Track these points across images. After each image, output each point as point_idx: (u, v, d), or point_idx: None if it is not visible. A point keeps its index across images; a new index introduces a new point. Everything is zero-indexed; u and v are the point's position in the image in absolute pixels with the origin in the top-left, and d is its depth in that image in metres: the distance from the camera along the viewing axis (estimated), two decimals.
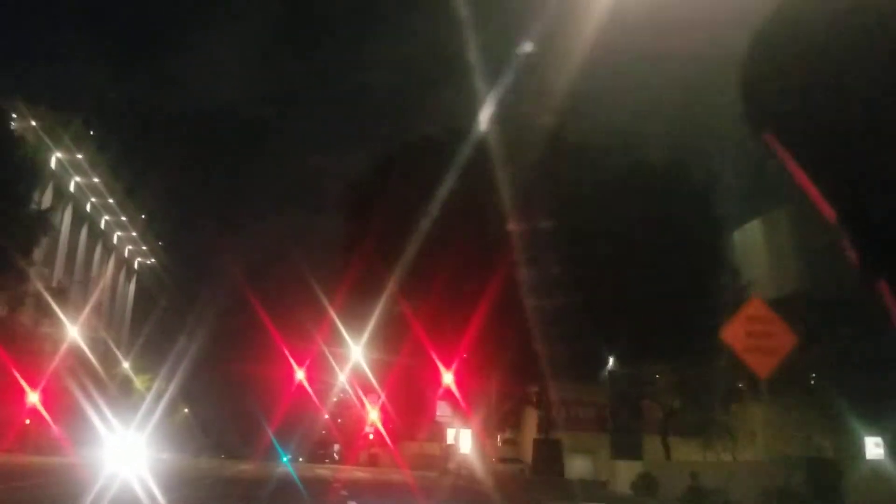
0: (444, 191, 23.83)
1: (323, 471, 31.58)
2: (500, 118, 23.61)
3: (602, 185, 24.34)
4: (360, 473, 31.39)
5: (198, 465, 33.11)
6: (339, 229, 29.94)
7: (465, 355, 25.76)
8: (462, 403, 28.82)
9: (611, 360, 29.78)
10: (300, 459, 75.07)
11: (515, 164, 23.09)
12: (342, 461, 47.93)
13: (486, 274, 23.29)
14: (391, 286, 25.99)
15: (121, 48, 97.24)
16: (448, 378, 27.86)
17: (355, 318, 36.35)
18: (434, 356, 26.53)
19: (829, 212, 1.90)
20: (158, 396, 57.00)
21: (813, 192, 1.90)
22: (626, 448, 27.67)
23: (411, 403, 43.64)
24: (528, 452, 40.66)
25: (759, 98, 2.00)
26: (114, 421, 40.81)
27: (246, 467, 29.99)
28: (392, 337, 30.72)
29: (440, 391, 29.89)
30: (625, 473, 24.06)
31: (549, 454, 31.93)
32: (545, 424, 32.44)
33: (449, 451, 30.84)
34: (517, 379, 26.96)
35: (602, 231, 23.97)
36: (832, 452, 38.38)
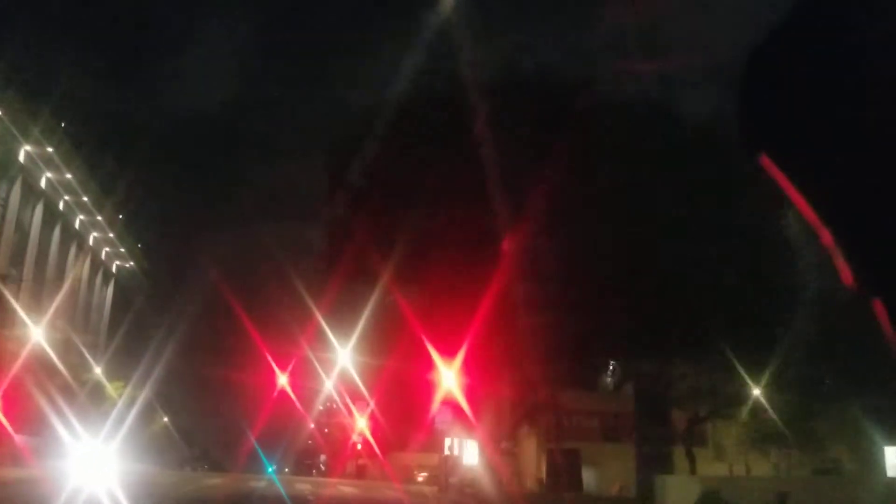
0: (444, 167, 20.67)
1: (304, 485, 27.96)
2: (507, 82, 20.68)
3: (628, 153, 21.20)
4: (346, 488, 27.83)
5: (168, 478, 29.77)
6: (322, 225, 26.52)
7: (469, 354, 22.28)
8: (466, 408, 25.11)
9: (624, 364, 26.80)
10: (286, 470, 72.43)
11: (526, 135, 20.10)
12: (328, 473, 44.88)
13: (492, 261, 20.13)
14: (382, 280, 22.87)
15: (101, 48, 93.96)
16: (450, 379, 24.27)
17: (343, 320, 33.78)
18: (433, 355, 23.02)
19: (824, 233, 1.96)
20: (134, 404, 54.45)
21: (809, 213, 1.96)
22: (653, 461, 24.57)
23: (404, 411, 40.75)
24: (528, 464, 37.61)
25: (754, 121, 2.06)
26: (82, 430, 37.98)
27: (218, 481, 26.43)
28: (383, 337, 27.69)
29: (440, 395, 26.22)
30: (676, 492, 20.73)
31: (566, 466, 28.71)
32: (556, 433, 29.21)
33: (450, 463, 27.00)
34: (532, 381, 23.60)
35: (625, 208, 20.88)
36: (850, 464, 35.90)
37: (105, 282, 77.46)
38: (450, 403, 27.07)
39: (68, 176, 59.01)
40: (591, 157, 21.88)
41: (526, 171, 20.74)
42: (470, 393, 24.19)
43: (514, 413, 26.20)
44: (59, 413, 39.25)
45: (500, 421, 25.69)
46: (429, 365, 23.94)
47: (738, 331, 23.87)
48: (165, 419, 74.03)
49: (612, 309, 21.38)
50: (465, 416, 25.85)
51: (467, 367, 22.78)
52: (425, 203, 21.26)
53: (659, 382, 25.72)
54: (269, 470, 63.42)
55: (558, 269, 20.82)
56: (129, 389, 56.06)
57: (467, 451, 32.85)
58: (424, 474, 45.92)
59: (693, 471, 27.12)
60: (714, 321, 22.67)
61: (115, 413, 49.76)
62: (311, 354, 45.06)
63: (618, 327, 22.24)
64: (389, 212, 21.99)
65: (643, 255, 21.20)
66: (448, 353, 22.71)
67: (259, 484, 26.44)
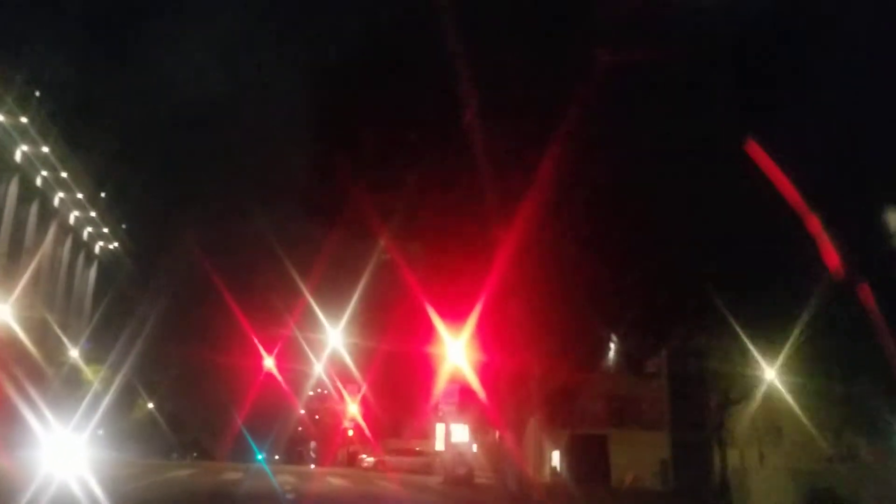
0: (456, 95, 17.47)
1: (286, 476, 24.90)
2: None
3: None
4: (336, 480, 24.85)
5: (136, 468, 27.04)
6: (306, 178, 23.06)
7: (480, 324, 18.94)
8: (478, 388, 21.42)
9: (649, 339, 24.03)
10: (276, 458, 70.42)
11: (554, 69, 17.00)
12: (319, 461, 42.44)
13: (508, 215, 17.12)
14: (378, 240, 19.95)
15: (79, 18, 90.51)
16: (458, 354, 20.72)
17: (335, 296, 31.37)
18: (436, 325, 19.63)
19: (812, 219, 4.42)
20: (114, 390, 52.20)
21: (795, 199, 4.27)
22: (687, 450, 21.92)
23: (399, 394, 38.29)
24: (528, 452, 35.05)
25: (741, 108, 4.17)
26: (56, 417, 35.46)
27: (189, 472, 23.39)
28: (378, 310, 24.88)
29: (445, 373, 22.70)
30: (761, 486, 17.72)
31: (592, 455, 25.71)
32: (577, 418, 26.18)
33: (456, 452, 23.61)
34: (554, 358, 20.32)
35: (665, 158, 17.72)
36: (866, 451, 33.80)
37: (88, 264, 74.52)
38: (457, 383, 24.18)
39: (45, 149, 55.97)
40: (624, 103, 18.88)
41: (552, 115, 17.75)
42: (481, 371, 20.91)
43: (538, 394, 22.76)
44: (32, 400, 36.82)
45: (519, 403, 22.33)
46: (431, 339, 20.94)
47: (767, 305, 21.48)
48: (150, 405, 71.55)
49: (650, 272, 18.48)
50: (475, 397, 22.60)
51: (478, 341, 19.59)
52: (426, 144, 18.25)
53: (696, 361, 22.93)
54: (259, 457, 61.45)
55: (586, 225, 17.90)
56: (111, 374, 53.63)
57: (467, 437, 29.87)
58: (371, 460, 43.79)
59: (723, 460, 24.62)
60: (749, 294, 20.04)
61: (95, 399, 47.50)
62: (301, 336, 42.76)
63: (656, 294, 19.34)
64: (385, 153, 18.86)
65: (681, 210, 18.22)
66: (455, 322, 19.50)
67: (234, 475, 23.55)
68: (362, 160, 18.69)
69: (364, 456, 45.33)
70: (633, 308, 21.47)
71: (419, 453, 43.05)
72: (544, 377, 19.60)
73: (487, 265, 17.78)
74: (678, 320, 23.82)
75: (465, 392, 24.55)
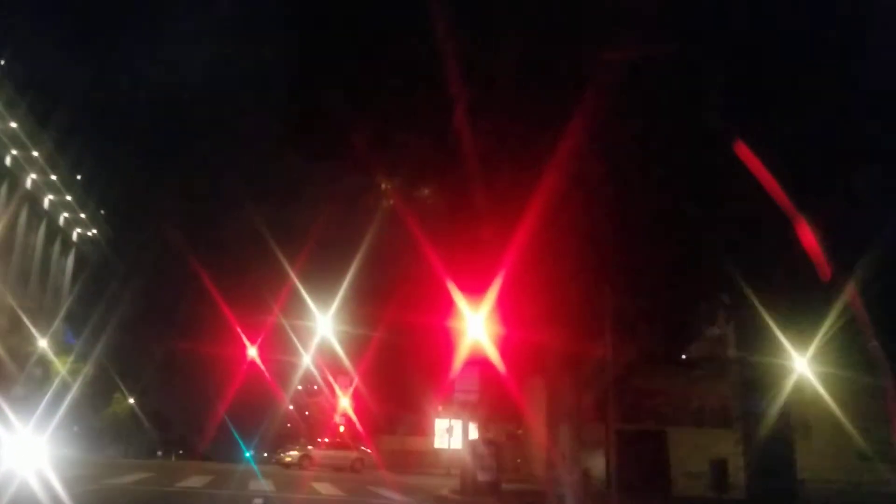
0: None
1: (265, 482, 21.11)
2: None
3: None
4: (323, 488, 20.96)
5: (83, 469, 23.37)
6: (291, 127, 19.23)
7: (504, 291, 14.92)
8: (503, 371, 17.07)
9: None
10: (265, 455, 67.34)
11: None
12: (309, 461, 39.00)
13: (543, 158, 13.37)
14: (378, 188, 16.37)
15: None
16: (477, 327, 16.59)
17: (326, 277, 28.26)
18: (455, 295, 15.56)
19: (800, 221, 3.84)
20: (89, 384, 48.78)
21: (783, 199, 3.60)
22: (762, 448, 18.43)
23: (397, 387, 35.04)
24: (537, 452, 31.68)
25: (728, 109, 3.66)
26: (17, 414, 31.95)
27: (140, 476, 19.65)
28: (377, 289, 21.48)
29: (462, 354, 18.49)
30: None
31: (648, 456, 21.74)
32: (608, 409, 22.33)
33: (478, 452, 19.51)
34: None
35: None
36: None
37: (65, 251, 70.67)
38: (475, 368, 20.50)
39: (13, 125, 52.15)
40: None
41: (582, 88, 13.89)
42: (509, 352, 16.83)
43: (597, 376, 18.43)
44: None
45: (585, 391, 18.14)
46: (438, 316, 17.09)
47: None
48: (131, 401, 67.94)
49: (679, 256, 14.83)
50: (497, 385, 18.65)
51: (504, 314, 15.57)
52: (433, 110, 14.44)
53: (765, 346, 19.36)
54: (247, 455, 58.55)
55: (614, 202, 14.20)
56: (85, 368, 50.11)
57: (487, 434, 26.06)
58: (294, 453, 40.70)
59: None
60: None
61: (65, 394, 44.18)
62: (288, 325, 39.33)
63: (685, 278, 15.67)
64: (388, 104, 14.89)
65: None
66: (472, 293, 15.49)
67: (197, 480, 19.75)
68: (364, 103, 14.95)
69: (292, 449, 41.93)
70: (663, 290, 18.07)
71: (353, 448, 40.35)
72: (613, 360, 15.82)
73: (513, 224, 14.22)
74: (705, 306, 20.78)
75: (484, 379, 20.78)
